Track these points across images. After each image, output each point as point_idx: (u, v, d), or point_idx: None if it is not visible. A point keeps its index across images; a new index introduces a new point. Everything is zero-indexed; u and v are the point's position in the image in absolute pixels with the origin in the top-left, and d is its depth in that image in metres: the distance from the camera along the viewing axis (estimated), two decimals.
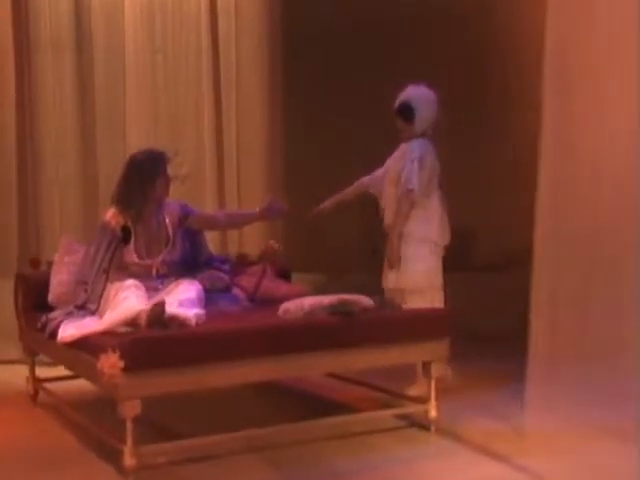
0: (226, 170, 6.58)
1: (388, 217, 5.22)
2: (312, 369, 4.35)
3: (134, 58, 6.42)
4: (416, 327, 4.43)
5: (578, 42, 4.03)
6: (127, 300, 4.34)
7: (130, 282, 4.52)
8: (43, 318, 4.70)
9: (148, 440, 3.96)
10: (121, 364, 3.72)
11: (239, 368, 3.97)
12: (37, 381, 5.25)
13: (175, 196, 6.30)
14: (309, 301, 4.39)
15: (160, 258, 4.86)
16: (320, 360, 4.20)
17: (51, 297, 4.95)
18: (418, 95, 5.20)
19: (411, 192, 5.06)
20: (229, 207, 6.54)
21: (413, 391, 4.94)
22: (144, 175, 4.82)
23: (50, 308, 4.85)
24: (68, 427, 4.65)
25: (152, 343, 3.86)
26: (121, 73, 6.44)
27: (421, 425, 4.57)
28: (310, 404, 5.13)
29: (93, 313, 4.58)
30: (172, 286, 4.63)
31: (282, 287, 5.28)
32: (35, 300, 5.06)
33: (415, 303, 4.99)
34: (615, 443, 4.02)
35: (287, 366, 4.11)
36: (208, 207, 6.46)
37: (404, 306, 5.00)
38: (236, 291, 5.16)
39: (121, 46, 6.41)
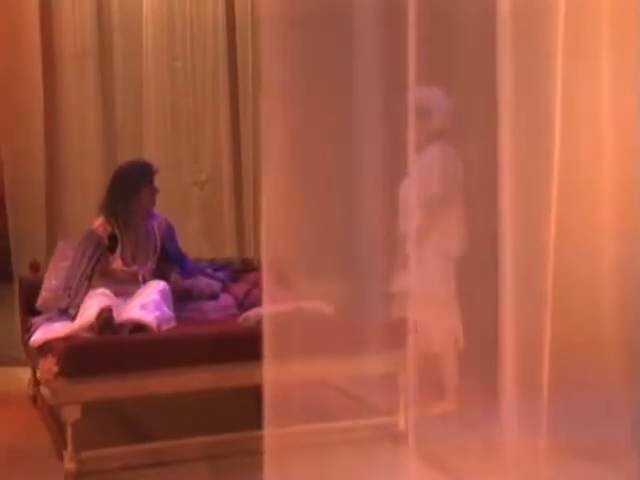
0: (243, 175, 6.58)
1: (402, 223, 5.03)
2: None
3: (153, 65, 6.49)
4: (379, 335, 4.31)
5: None
6: (91, 308, 4.40)
7: (100, 290, 4.60)
8: (29, 322, 4.83)
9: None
10: (55, 369, 3.76)
11: (182, 375, 3.96)
12: (36, 383, 5.36)
13: (194, 202, 6.41)
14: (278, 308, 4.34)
15: (148, 265, 4.93)
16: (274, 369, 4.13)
17: (39, 302, 5.05)
18: (428, 94, 5.01)
19: (430, 201, 4.91)
20: (245, 210, 6.54)
21: (441, 407, 4.77)
22: (129, 185, 4.92)
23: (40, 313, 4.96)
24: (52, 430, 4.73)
25: (89, 349, 3.91)
26: (140, 80, 6.53)
27: (394, 437, 4.45)
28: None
29: (73, 318, 4.66)
30: (141, 290, 4.68)
31: None
32: (31, 304, 5.16)
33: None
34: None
35: (233, 374, 4.07)
36: (225, 213, 6.49)
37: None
38: (225, 299, 5.15)
39: (140, 54, 6.50)
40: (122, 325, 4.19)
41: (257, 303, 4.98)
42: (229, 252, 6.34)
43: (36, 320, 4.76)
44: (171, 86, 6.57)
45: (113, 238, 4.86)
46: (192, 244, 5.94)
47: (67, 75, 6.53)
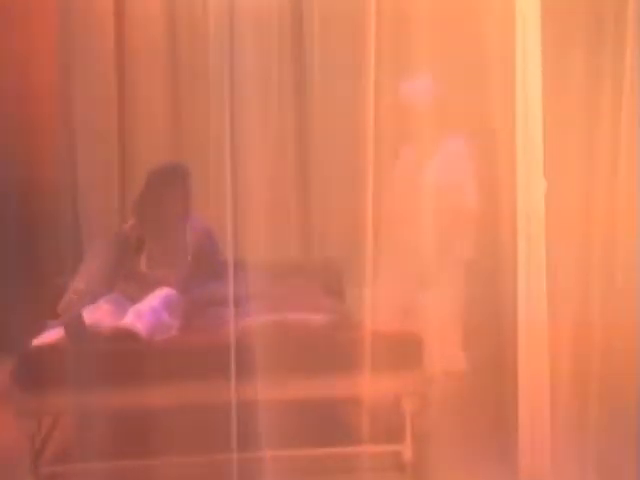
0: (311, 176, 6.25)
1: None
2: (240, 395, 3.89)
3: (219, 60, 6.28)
4: (381, 353, 3.85)
5: None
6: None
7: (105, 298, 4.41)
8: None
9: None
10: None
11: (141, 389, 3.66)
12: None
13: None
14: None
15: (175, 272, 4.71)
16: (250, 386, 3.77)
17: (60, 305, 4.90)
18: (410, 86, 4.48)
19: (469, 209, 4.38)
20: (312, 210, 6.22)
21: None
22: (160, 189, 4.76)
23: None
24: None
25: (47, 358, 3.67)
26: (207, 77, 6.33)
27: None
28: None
29: None
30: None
31: None
32: None
33: None
34: None
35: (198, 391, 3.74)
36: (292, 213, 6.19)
37: None
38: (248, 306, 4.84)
39: (206, 50, 6.30)
40: (101, 332, 3.95)
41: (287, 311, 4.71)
42: (291, 248, 6.00)
43: (50, 324, 4.61)
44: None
45: (140, 241, 4.71)
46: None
47: (138, 74, 6.43)
